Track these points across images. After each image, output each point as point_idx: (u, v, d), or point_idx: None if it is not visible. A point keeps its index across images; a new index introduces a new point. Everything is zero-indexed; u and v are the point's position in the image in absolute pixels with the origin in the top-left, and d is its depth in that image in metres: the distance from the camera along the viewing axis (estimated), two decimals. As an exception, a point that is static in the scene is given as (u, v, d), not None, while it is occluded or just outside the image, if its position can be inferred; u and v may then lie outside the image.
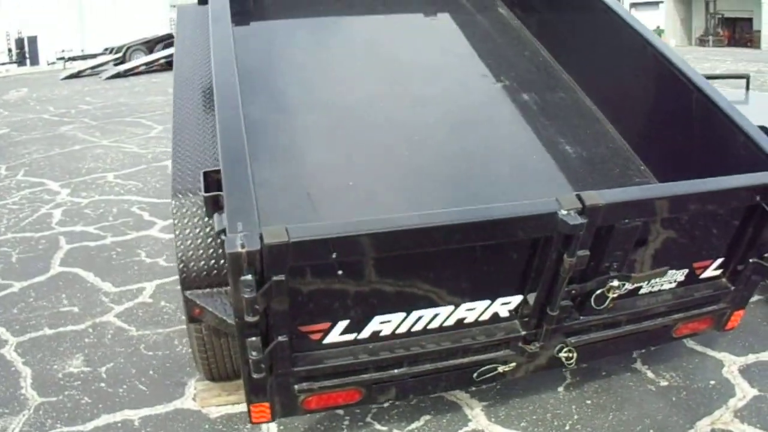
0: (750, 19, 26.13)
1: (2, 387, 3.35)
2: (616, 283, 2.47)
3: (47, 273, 4.75)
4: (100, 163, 7.93)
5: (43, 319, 4.05)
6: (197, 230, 2.63)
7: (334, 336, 2.29)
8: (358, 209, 2.84)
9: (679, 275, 2.70)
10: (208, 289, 2.63)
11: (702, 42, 27.73)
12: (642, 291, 2.67)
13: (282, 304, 2.02)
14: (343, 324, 2.27)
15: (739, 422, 2.90)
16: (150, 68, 17.95)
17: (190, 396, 3.23)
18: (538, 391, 3.17)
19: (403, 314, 2.32)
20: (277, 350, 2.14)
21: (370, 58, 3.97)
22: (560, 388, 3.20)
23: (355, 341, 2.34)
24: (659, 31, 24.92)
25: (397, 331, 2.37)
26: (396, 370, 2.44)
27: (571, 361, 2.66)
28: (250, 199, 2.06)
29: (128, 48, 18.56)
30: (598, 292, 2.48)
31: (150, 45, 18.97)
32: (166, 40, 18.90)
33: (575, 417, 3.00)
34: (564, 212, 2.18)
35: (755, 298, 3.69)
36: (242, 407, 3.11)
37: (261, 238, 1.90)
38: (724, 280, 2.80)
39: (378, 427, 2.98)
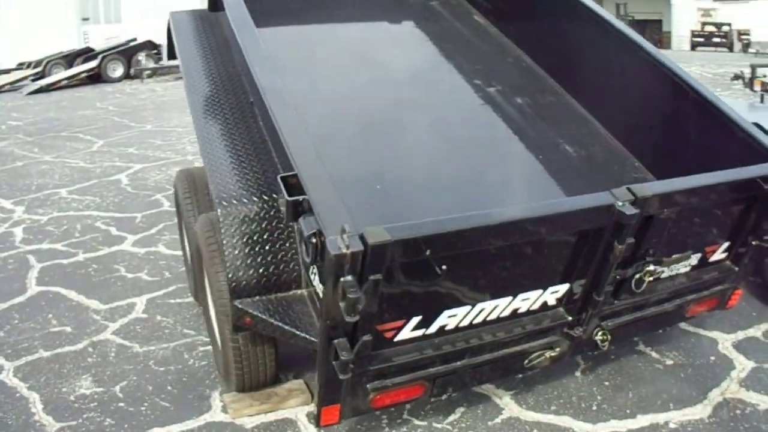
0: (660, 21, 27.11)
1: (12, 415, 3.11)
2: (652, 267, 2.61)
3: (25, 293, 4.45)
4: (48, 179, 7.49)
5: (35, 341, 3.80)
6: (245, 238, 2.56)
7: (406, 333, 2.30)
8: (389, 211, 2.86)
9: (694, 259, 2.88)
10: (257, 297, 2.57)
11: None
12: (663, 275, 2.82)
13: (374, 304, 2.01)
14: (415, 320, 2.28)
15: (745, 391, 3.10)
16: (71, 82, 17.13)
17: (218, 408, 3.13)
18: (557, 377, 3.27)
19: (468, 307, 2.36)
20: (361, 350, 2.12)
21: (366, 66, 3.98)
22: (577, 373, 3.32)
23: (423, 336, 2.35)
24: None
25: (461, 325, 2.40)
26: (458, 363, 2.47)
27: (606, 343, 2.77)
28: (338, 200, 2.04)
29: (48, 62, 17.61)
30: (637, 276, 2.61)
31: (69, 59, 18.03)
32: (86, 54, 18.13)
33: (598, 398, 3.12)
34: (620, 203, 2.29)
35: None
36: (275, 416, 3.06)
37: (362, 238, 1.89)
38: (728, 262, 3.00)
39: (417, 422, 2.99)
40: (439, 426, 2.96)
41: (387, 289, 2.12)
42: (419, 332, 2.33)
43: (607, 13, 3.78)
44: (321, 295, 2.38)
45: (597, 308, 2.59)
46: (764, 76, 5.56)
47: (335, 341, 2.09)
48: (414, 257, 2.01)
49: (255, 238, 2.56)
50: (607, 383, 3.23)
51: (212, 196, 2.65)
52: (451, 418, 3.01)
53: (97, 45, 19.37)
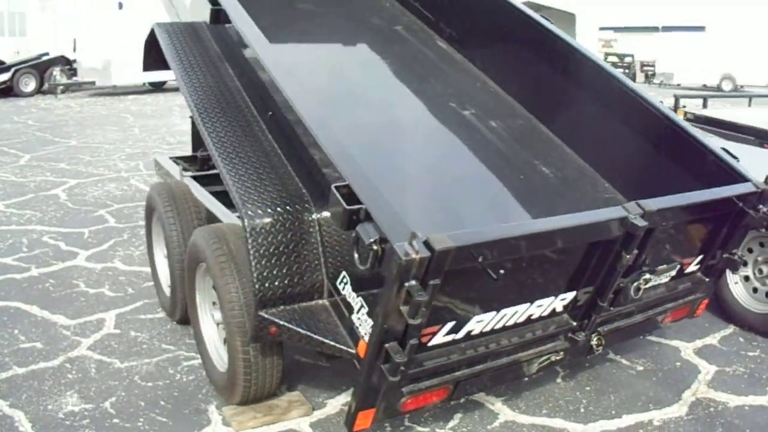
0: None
1: (-3, 434, 2.92)
2: (647, 276, 2.82)
3: (-19, 309, 4.16)
4: (-22, 192, 7.01)
5: (5, 357, 3.54)
6: (271, 248, 2.53)
7: (439, 337, 2.35)
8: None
9: (673, 270, 3.12)
10: (281, 307, 2.55)
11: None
12: (648, 285, 3.04)
13: (428, 308, 2.07)
14: (449, 326, 2.34)
15: (714, 391, 3.36)
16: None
17: (218, 421, 3.04)
18: (541, 384, 3.41)
19: (494, 313, 2.45)
20: (410, 353, 2.16)
21: (343, 89, 4.03)
22: (558, 380, 3.47)
23: (453, 341, 2.41)
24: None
25: (484, 330, 2.48)
26: (479, 366, 2.55)
27: (600, 347, 2.94)
28: (393, 209, 2.08)
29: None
30: (634, 284, 2.80)
31: (-22, 71, 16.96)
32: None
33: (584, 401, 3.28)
34: (632, 216, 2.46)
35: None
36: (278, 427, 3.02)
37: (428, 245, 1.95)
38: (699, 273, 3.26)
39: (419, 428, 3.03)
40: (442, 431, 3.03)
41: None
42: (450, 337, 2.39)
43: (570, 39, 3.98)
44: (353, 303, 2.41)
45: (600, 314, 2.76)
46: (684, 107, 6.07)
47: (387, 345, 2.12)
48: (467, 263, 2.09)
49: (280, 248, 2.54)
50: (588, 388, 3.40)
51: (238, 206, 2.60)
52: (451, 423, 3.08)
53: (6, 58, 18.30)
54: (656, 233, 2.66)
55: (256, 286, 2.49)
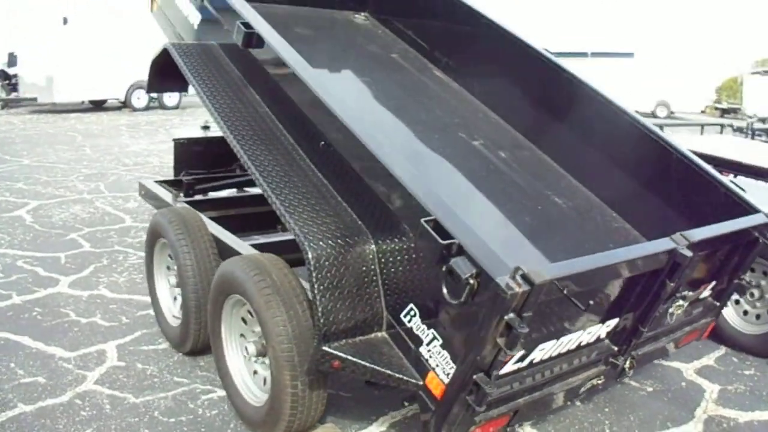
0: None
1: (19, 480, 2.67)
2: (680, 302, 2.90)
3: (-33, 342, 3.83)
4: (-66, 214, 6.50)
5: (8, 394, 3.27)
6: (334, 281, 2.45)
7: (509, 366, 2.34)
8: None
9: (697, 296, 3.22)
10: (344, 341, 2.47)
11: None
12: (680, 310, 3.12)
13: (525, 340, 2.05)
14: (518, 354, 2.33)
15: (722, 408, 3.47)
16: None
17: (255, 456, 2.91)
18: (561, 407, 3.45)
19: (554, 341, 2.46)
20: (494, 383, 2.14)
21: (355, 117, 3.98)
22: (578, 403, 3.51)
23: (518, 370, 2.41)
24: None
25: (544, 357, 2.49)
26: (537, 393, 2.54)
27: (632, 370, 2.99)
28: (485, 243, 2.06)
29: None
30: (670, 310, 2.88)
31: None
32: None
33: (606, 422, 3.32)
34: (680, 247, 2.53)
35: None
36: (318, 460, 2.91)
37: (527, 278, 1.93)
38: (710, 298, 3.39)
39: (460, 458, 3.00)
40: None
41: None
42: (517, 365, 2.39)
43: (569, 67, 4.04)
44: (422, 335, 2.35)
45: (640, 339, 2.81)
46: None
47: (476, 376, 2.09)
48: (554, 295, 2.09)
49: (343, 281, 2.46)
50: (606, 409, 3.45)
51: (298, 239, 2.50)
52: (489, 450, 3.06)
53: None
54: (694, 261, 2.75)
55: (321, 320, 2.40)
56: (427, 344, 2.33)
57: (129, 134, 13.85)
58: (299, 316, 2.71)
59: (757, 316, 3.99)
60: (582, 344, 2.66)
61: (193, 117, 18.40)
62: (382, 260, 2.56)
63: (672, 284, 2.62)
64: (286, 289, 2.77)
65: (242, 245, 3.68)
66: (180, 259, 3.59)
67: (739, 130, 10.76)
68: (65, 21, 16.88)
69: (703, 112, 30.25)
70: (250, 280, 2.82)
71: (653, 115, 24.09)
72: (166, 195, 4.85)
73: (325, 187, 2.83)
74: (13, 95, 17.48)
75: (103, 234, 6.24)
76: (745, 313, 4.06)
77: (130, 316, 4.37)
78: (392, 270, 2.53)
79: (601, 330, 2.71)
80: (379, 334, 2.55)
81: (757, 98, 31.59)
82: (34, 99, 17.20)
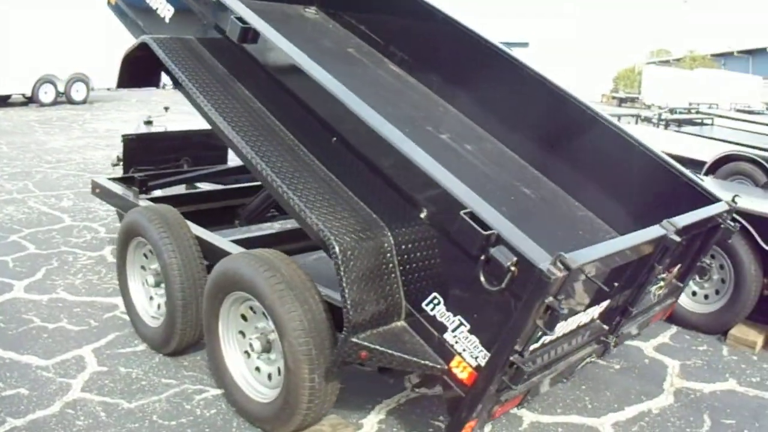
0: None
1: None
2: (660, 283, 3.15)
3: (-71, 355, 3.55)
4: None
5: (-8, 409, 3.09)
6: (360, 273, 2.48)
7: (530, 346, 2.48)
8: None
9: (668, 278, 3.49)
10: (369, 332, 2.51)
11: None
12: (660, 291, 3.37)
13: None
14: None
15: (686, 381, 3.78)
16: None
17: (267, 453, 2.90)
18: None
19: (564, 322, 2.62)
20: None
21: None
22: (556, 382, 3.73)
23: (534, 349, 2.55)
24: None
25: (553, 338, 2.64)
26: (547, 371, 2.70)
27: (615, 347, 3.22)
28: (520, 232, 2.18)
29: None
30: (652, 291, 3.12)
31: None
32: None
33: (586, 398, 3.54)
34: (670, 233, 2.76)
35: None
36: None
37: (564, 264, 2.07)
38: (675, 280, 3.68)
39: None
40: (479, 440, 3.12)
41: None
42: (536, 345, 2.53)
43: (525, 61, 4.17)
44: (446, 322, 2.44)
45: (629, 318, 3.03)
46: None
47: (512, 357, 2.22)
48: (579, 279, 2.24)
49: (367, 273, 2.50)
50: (584, 387, 3.67)
51: (322, 233, 2.51)
52: (486, 429, 3.20)
53: None
54: (676, 245, 2.99)
55: (350, 313, 2.43)
56: (453, 330, 2.43)
57: (43, 130, 13.06)
58: (313, 310, 2.73)
59: (705, 296, 4.36)
60: (580, 324, 2.84)
61: (103, 111, 17.67)
62: (399, 252, 2.62)
63: (660, 267, 2.85)
64: (297, 283, 2.78)
65: (224, 242, 3.65)
66: (164, 258, 3.49)
67: (647, 120, 11.08)
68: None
69: (600, 101, 31.82)
70: (259, 276, 2.80)
71: None
72: (126, 193, 4.69)
73: (335, 183, 2.85)
74: None
75: (45, 235, 5.91)
76: (694, 294, 4.42)
77: (98, 318, 4.20)
78: (410, 261, 2.59)
79: (595, 311, 2.90)
80: (399, 323, 2.61)
81: (655, 88, 33.85)
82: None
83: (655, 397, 3.58)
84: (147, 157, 5.65)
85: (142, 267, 3.91)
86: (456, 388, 2.44)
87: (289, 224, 5.08)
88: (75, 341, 3.85)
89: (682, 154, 5.03)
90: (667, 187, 3.66)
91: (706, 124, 10.32)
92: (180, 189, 5.67)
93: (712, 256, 4.26)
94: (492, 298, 2.22)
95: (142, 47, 3.72)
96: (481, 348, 2.34)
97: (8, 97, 18.08)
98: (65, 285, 4.72)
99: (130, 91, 27.34)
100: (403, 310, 2.62)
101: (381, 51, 5.02)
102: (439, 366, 2.46)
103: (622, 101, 34.81)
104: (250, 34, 3.11)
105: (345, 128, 2.75)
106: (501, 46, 4.35)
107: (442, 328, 2.47)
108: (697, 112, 12.37)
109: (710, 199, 3.45)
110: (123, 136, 5.58)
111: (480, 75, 4.47)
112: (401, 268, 2.61)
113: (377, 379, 2.79)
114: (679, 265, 3.55)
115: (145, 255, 3.86)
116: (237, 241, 3.81)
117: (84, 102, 19.12)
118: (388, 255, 2.60)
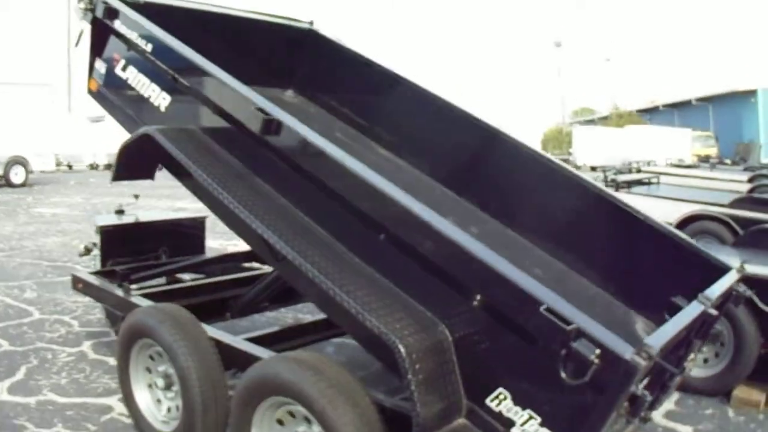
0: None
1: None
2: (692, 355, 3.20)
3: None
4: None
5: None
6: (426, 374, 2.40)
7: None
8: None
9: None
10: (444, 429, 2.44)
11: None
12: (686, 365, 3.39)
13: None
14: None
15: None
16: None
17: None
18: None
19: None
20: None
21: None
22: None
23: None
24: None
25: None
26: None
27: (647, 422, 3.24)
28: (596, 322, 2.19)
29: None
30: (686, 364, 3.17)
31: None
32: None
33: None
34: (708, 307, 2.81)
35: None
36: None
37: (646, 352, 2.09)
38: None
39: None
40: None
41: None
42: None
43: (518, 138, 4.27)
44: (514, 417, 2.38)
45: (666, 394, 3.06)
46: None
47: None
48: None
49: (433, 373, 2.43)
50: None
51: (385, 336, 2.41)
52: None
53: None
54: None
55: (420, 416, 2.35)
56: (522, 425, 2.37)
57: (-21, 219, 12.46)
58: (367, 414, 2.62)
59: (705, 360, 4.46)
60: None
61: (45, 195, 17.21)
62: (457, 347, 2.57)
63: (699, 342, 2.92)
64: (344, 385, 2.67)
65: (240, 341, 3.53)
66: (180, 361, 3.30)
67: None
68: None
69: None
70: (305, 381, 2.64)
71: None
72: (112, 288, 4.47)
73: (382, 281, 2.79)
74: None
75: (16, 329, 5.52)
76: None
77: (95, 422, 3.90)
78: (469, 355, 2.55)
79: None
80: (460, 421, 2.53)
81: (586, 148, 35.11)
82: None
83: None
84: (125, 248, 5.43)
85: (147, 369, 3.69)
86: None
87: (290, 317, 4.93)
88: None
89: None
90: (673, 258, 3.73)
91: (653, 183, 10.74)
92: (160, 281, 5.44)
93: (711, 321, 4.37)
94: (569, 390, 2.20)
95: (143, 139, 3.60)
96: (553, 438, 2.30)
97: None
98: (51, 385, 4.39)
99: (66, 173, 26.73)
100: (464, 407, 2.55)
101: (367, 134, 5.03)
102: (507, 459, 2.40)
103: (552, 163, 36.02)
104: (273, 126, 3.07)
105: (392, 222, 2.72)
106: (494, 125, 4.46)
107: (509, 423, 2.41)
108: (638, 171, 12.88)
109: (718, 267, 3.54)
110: (99, 227, 5.35)
111: (472, 156, 4.54)
112: (459, 364, 2.56)
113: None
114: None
115: (151, 357, 3.65)
116: (252, 340, 3.68)
117: (23, 185, 18.52)
118: (448, 352, 2.55)
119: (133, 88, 4.07)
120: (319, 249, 2.85)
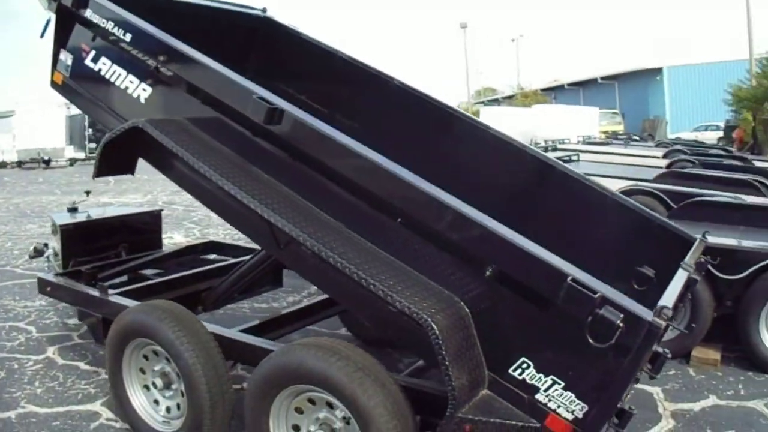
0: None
1: None
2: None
3: None
4: None
5: None
6: (455, 350, 2.49)
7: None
8: None
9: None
10: (467, 405, 2.53)
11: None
12: None
13: None
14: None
15: (675, 404, 4.10)
16: None
17: None
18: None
19: None
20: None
21: None
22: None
23: None
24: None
25: None
26: None
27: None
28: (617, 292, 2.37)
29: None
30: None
31: None
32: None
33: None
34: (693, 273, 3.11)
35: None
36: None
37: (663, 314, 2.30)
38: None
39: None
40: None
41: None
42: None
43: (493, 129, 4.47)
44: (538, 383, 2.54)
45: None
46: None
47: (620, 404, 2.43)
48: None
49: (460, 348, 2.55)
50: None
51: (417, 316, 2.48)
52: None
53: None
54: None
55: (456, 390, 2.45)
56: (545, 390, 2.53)
57: None
58: (393, 394, 2.71)
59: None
60: None
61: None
62: (476, 323, 2.70)
63: (682, 305, 3.20)
64: (369, 368, 2.75)
65: (241, 335, 3.57)
66: (185, 358, 3.26)
67: None
68: None
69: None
70: (332, 367, 2.69)
71: None
72: (90, 290, 4.34)
73: (397, 263, 2.87)
74: None
75: (-23, 338, 5.23)
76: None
77: (86, 430, 3.79)
78: (489, 328, 2.69)
79: None
80: (483, 392, 2.67)
81: (495, 127, 35.84)
82: None
83: (657, 423, 3.88)
84: (86, 246, 5.26)
85: (141, 370, 3.63)
86: None
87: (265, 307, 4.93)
88: None
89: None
90: (634, 229, 3.94)
91: (573, 161, 11.13)
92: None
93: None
94: (593, 354, 2.37)
95: (131, 132, 3.49)
96: (577, 402, 2.47)
97: None
98: (27, 397, 4.20)
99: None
100: (486, 378, 2.69)
101: (326, 121, 5.04)
102: (532, 425, 2.55)
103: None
104: (276, 115, 3.07)
105: (407, 206, 2.80)
106: (457, 109, 4.59)
107: (533, 390, 2.56)
108: (554, 149, 13.39)
109: (680, 237, 3.84)
110: (60, 226, 5.15)
111: (431, 136, 4.58)
112: (480, 338, 2.69)
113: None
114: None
115: (146, 357, 3.59)
116: (246, 330, 3.71)
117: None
118: (469, 327, 2.67)
119: (107, 80, 3.91)
120: (335, 236, 2.89)
